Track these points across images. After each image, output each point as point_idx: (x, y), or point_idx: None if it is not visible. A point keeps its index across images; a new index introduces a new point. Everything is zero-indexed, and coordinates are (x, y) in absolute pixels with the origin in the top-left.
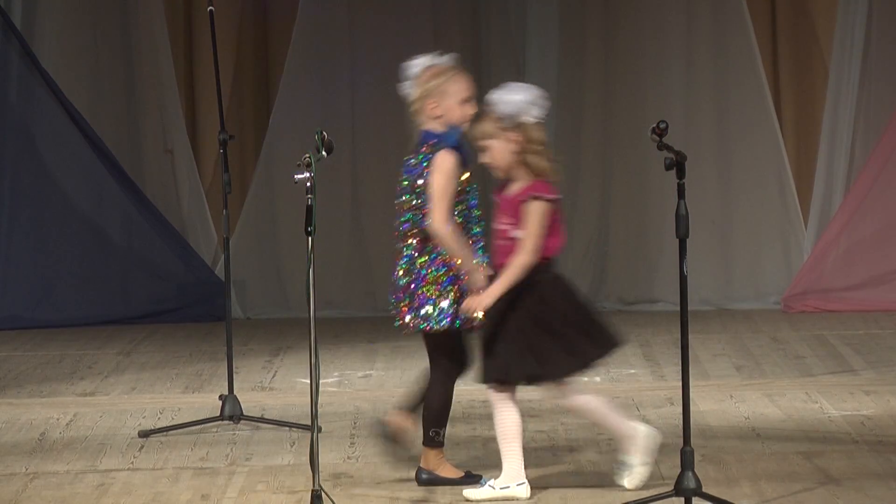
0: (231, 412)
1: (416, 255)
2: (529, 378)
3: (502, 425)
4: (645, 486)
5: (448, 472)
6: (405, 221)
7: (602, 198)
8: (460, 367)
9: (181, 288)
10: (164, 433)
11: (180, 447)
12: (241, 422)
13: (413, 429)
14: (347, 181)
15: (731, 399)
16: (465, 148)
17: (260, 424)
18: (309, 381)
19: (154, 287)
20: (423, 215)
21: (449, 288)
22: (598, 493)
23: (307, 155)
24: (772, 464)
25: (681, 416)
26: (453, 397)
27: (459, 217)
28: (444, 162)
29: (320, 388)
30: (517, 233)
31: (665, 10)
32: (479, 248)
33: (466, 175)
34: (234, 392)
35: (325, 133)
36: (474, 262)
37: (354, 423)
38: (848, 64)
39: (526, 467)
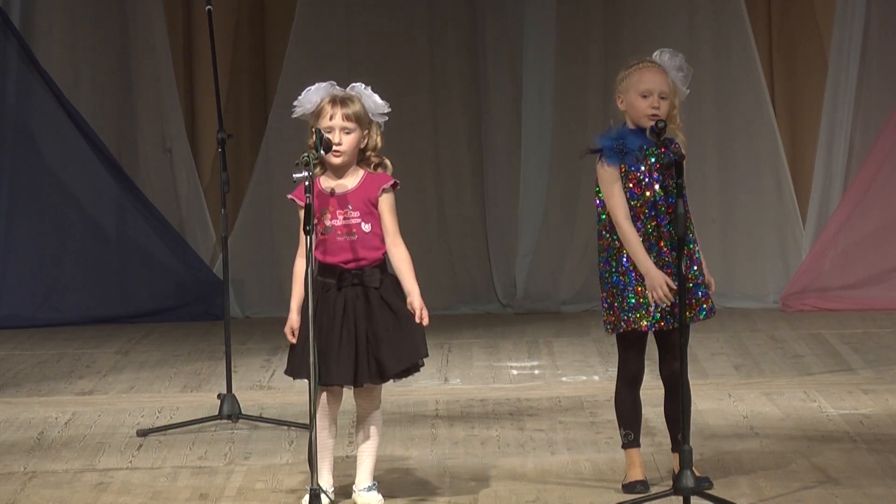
0: (229, 411)
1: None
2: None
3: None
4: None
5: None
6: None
7: None
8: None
9: (180, 287)
10: (163, 432)
11: (179, 446)
12: (240, 421)
13: None
14: None
15: (730, 398)
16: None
17: (258, 423)
18: (308, 380)
19: (152, 286)
20: None
21: None
22: (597, 493)
23: (305, 154)
24: (770, 462)
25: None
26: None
27: None
28: None
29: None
30: None
31: (664, 10)
32: None
33: None
34: (233, 391)
35: (323, 132)
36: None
37: (353, 422)
38: (846, 62)
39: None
